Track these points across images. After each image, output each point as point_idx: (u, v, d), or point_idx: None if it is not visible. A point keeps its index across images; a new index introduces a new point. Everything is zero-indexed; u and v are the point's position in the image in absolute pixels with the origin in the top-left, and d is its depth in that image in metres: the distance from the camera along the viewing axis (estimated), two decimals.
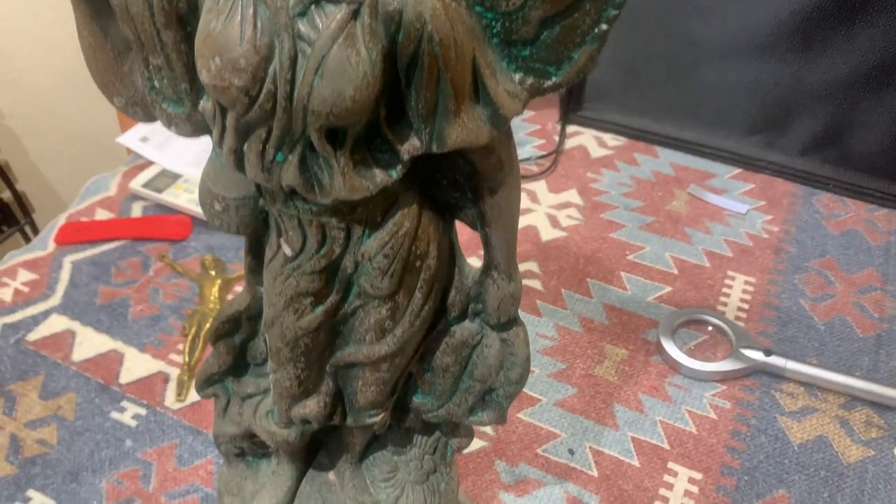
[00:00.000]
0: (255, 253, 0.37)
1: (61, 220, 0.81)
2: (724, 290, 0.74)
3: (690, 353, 0.67)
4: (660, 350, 0.68)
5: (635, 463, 0.60)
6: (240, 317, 0.40)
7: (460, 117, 0.29)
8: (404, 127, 0.29)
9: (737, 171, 0.88)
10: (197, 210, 0.79)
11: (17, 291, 0.73)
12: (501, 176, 0.32)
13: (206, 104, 0.31)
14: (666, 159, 0.90)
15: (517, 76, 0.29)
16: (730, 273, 0.76)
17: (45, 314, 0.71)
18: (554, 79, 0.29)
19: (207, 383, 0.43)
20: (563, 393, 0.65)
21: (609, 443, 0.61)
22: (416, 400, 0.42)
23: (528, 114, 0.96)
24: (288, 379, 0.38)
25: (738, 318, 0.71)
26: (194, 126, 0.32)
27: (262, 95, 0.27)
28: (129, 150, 0.88)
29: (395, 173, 0.30)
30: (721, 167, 0.88)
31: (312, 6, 0.26)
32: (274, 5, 0.26)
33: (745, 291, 0.74)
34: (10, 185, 1.14)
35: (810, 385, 0.65)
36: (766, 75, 0.83)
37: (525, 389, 0.64)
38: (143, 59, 0.31)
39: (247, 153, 0.30)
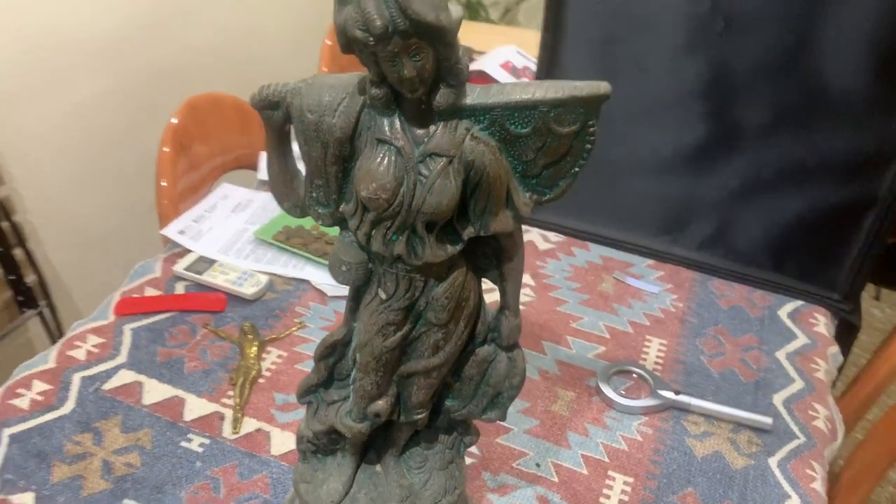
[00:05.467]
0: (356, 299, 0.58)
1: (116, 297, 0.99)
2: (644, 349, 0.98)
3: (621, 394, 0.90)
4: (599, 392, 0.90)
5: (584, 472, 0.81)
6: (336, 344, 0.60)
7: (498, 216, 0.51)
8: (464, 221, 0.52)
9: (650, 261, 1.14)
10: (232, 288, 0.99)
11: (88, 352, 0.91)
12: (515, 250, 0.55)
13: (345, 207, 0.53)
14: (596, 252, 1.15)
15: (528, 194, 0.53)
16: (648, 337, 1.00)
17: (116, 369, 0.88)
18: (547, 196, 0.53)
19: (307, 393, 0.62)
20: (529, 424, 0.86)
21: (565, 458, 0.82)
22: (448, 402, 0.63)
23: None
24: (370, 384, 0.59)
25: (655, 369, 0.95)
26: (333, 220, 0.54)
27: (395, 203, 0.49)
28: (166, 240, 1.08)
29: (459, 247, 0.52)
30: (638, 258, 1.14)
31: (427, 157, 0.49)
32: (406, 156, 0.48)
33: (659, 350, 0.98)
34: (36, 271, 1.30)
35: (708, 416, 0.89)
36: (668, 189, 1.10)
37: (499, 422, 0.86)
38: (310, 180, 0.53)
39: (374, 235, 0.51)
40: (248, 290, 0.99)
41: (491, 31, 1.96)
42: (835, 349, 1.02)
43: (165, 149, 1.12)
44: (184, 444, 0.81)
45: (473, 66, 1.54)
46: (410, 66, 0.44)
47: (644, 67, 1.02)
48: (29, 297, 1.31)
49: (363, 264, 0.55)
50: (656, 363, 0.96)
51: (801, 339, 1.01)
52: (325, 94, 0.50)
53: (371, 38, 0.43)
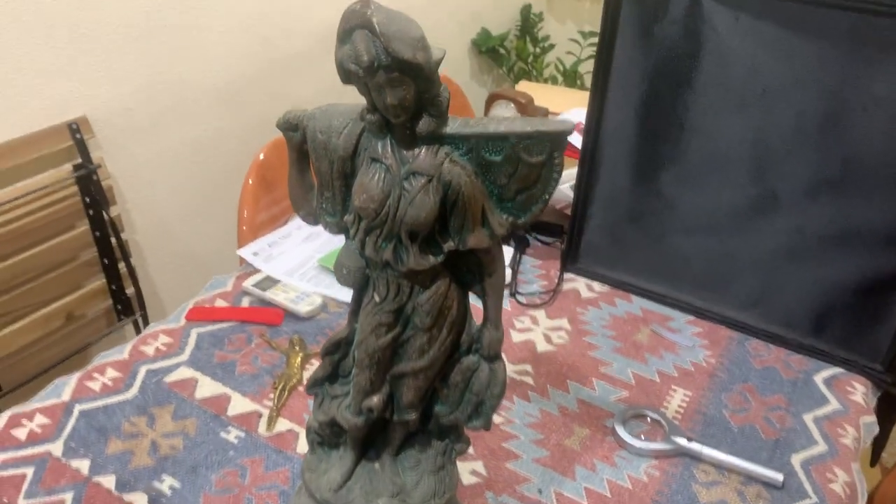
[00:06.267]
0: (357, 302, 0.66)
1: (190, 304, 1.11)
2: (668, 398, 1.00)
3: (635, 436, 0.93)
4: (613, 433, 0.93)
5: (584, 503, 0.84)
6: (341, 342, 0.68)
7: (475, 232, 0.59)
8: (445, 235, 0.60)
9: (690, 318, 1.16)
10: (289, 305, 1.09)
11: (157, 349, 1.03)
12: (494, 266, 0.62)
13: (347, 217, 0.61)
14: (638, 304, 1.18)
15: (503, 216, 0.60)
16: (673, 387, 1.02)
17: (177, 365, 1.00)
18: (521, 220, 0.60)
19: (314, 385, 0.70)
20: (539, 454, 0.90)
21: (567, 488, 0.86)
22: (437, 408, 0.69)
23: (538, 261, 1.27)
24: (365, 379, 0.66)
25: (674, 417, 0.97)
26: (339, 229, 0.63)
27: (382, 213, 0.57)
28: (241, 260, 1.20)
29: (440, 258, 0.60)
30: (679, 314, 1.16)
31: (410, 175, 0.57)
32: (393, 173, 0.57)
33: (682, 400, 1.00)
34: (136, 284, 1.47)
35: (720, 466, 0.90)
36: (712, 248, 1.13)
37: (511, 448, 0.90)
38: (321, 192, 0.62)
39: (367, 242, 0.60)
40: (304, 308, 1.09)
41: (578, 96, 2.04)
42: (870, 419, 1.00)
43: (250, 181, 1.26)
44: (223, 434, 0.90)
45: None
46: (393, 96, 0.53)
47: (688, 127, 1.07)
48: (127, 306, 1.47)
49: (361, 269, 0.63)
50: (677, 412, 0.98)
51: (833, 405, 1.00)
52: (334, 119, 0.59)
53: (361, 71, 0.53)
